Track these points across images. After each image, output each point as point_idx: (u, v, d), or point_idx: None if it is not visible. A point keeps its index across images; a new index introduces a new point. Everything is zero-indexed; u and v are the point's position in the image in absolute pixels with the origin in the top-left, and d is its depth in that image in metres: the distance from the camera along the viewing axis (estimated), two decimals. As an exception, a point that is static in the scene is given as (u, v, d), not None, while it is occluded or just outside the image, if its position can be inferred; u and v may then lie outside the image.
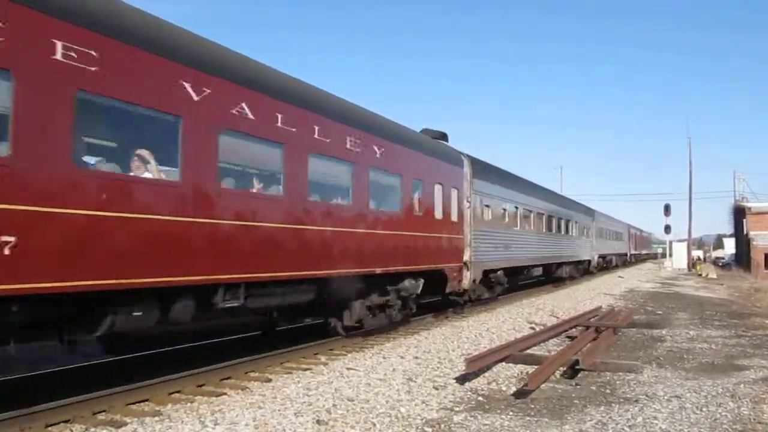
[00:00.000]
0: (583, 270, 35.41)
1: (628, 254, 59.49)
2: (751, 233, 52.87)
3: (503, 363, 10.02)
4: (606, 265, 44.20)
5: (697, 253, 75.64)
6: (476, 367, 9.12)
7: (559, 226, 28.29)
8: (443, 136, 17.27)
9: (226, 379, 8.91)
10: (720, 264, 70.24)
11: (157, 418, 6.85)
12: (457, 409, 7.49)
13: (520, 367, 9.91)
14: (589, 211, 38.22)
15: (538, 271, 26.48)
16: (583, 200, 42.12)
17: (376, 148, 11.85)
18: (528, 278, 26.79)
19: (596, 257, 38.34)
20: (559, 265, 29.14)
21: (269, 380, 8.86)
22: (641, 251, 78.89)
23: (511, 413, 7.29)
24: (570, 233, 30.70)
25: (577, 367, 9.62)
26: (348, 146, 10.91)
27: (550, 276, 29.02)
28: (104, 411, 7.12)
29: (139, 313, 7.13)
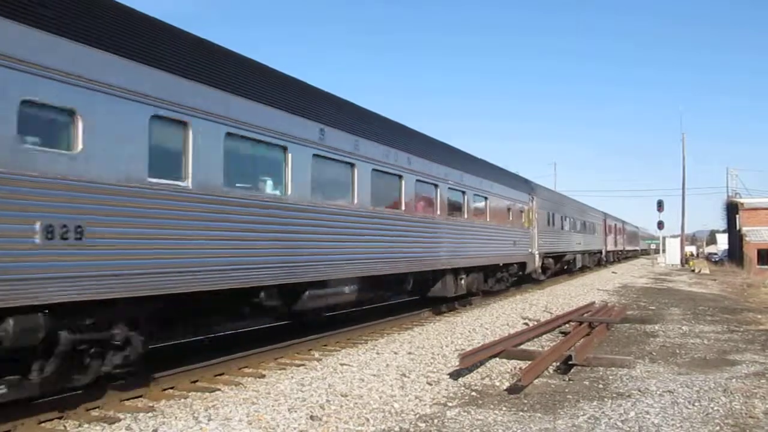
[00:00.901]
0: (510, 278, 21.70)
1: (603, 251, 45.85)
2: (744, 229, 53.06)
3: (496, 358, 10.04)
4: (565, 267, 32.40)
5: (690, 249, 76.03)
6: (470, 362, 9.14)
7: (431, 203, 14.80)
8: None
9: (220, 375, 8.91)
10: (713, 260, 70.50)
11: (150, 414, 6.85)
12: (451, 404, 7.51)
13: (514, 362, 9.94)
14: (523, 185, 24.00)
15: (343, 295, 11.37)
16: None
17: None
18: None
19: (538, 257, 24.35)
20: (439, 274, 15.43)
21: (263, 376, 8.87)
22: (625, 248, 62.51)
23: (504, 408, 7.32)
24: (465, 215, 16.56)
25: (570, 362, 9.65)
26: None
27: (413, 295, 16.19)
28: (98, 407, 7.11)
29: None
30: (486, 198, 18.54)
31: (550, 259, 27.59)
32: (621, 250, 59.06)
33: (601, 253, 44.49)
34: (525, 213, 22.86)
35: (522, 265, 22.50)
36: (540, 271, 25.63)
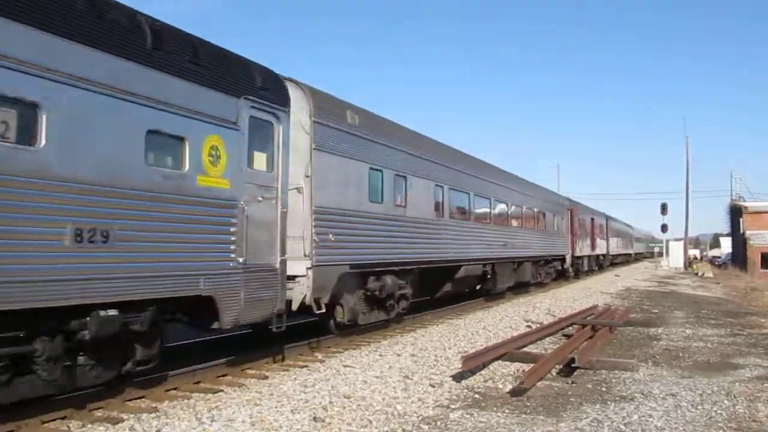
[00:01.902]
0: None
1: (568, 258, 30.67)
2: (748, 232, 52.98)
3: (499, 361, 10.03)
4: (478, 288, 19.66)
5: (694, 252, 75.93)
6: (472, 365, 9.14)
7: None
8: None
9: (223, 376, 8.93)
10: (716, 263, 70.39)
11: (153, 415, 6.86)
12: (454, 406, 7.51)
13: (517, 364, 9.93)
14: (223, 70, 8.00)
15: None
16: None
17: None
18: None
19: (310, 283, 10.10)
20: None
21: (266, 377, 8.88)
22: (608, 252, 45.12)
23: (507, 411, 7.31)
24: None
25: (573, 365, 9.64)
26: None
27: None
28: (101, 407, 7.12)
29: None
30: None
31: (390, 279, 12.65)
32: (602, 255, 41.90)
33: (563, 260, 30.19)
34: (238, 151, 8.27)
35: (212, 310, 7.99)
36: (348, 308, 11.57)
